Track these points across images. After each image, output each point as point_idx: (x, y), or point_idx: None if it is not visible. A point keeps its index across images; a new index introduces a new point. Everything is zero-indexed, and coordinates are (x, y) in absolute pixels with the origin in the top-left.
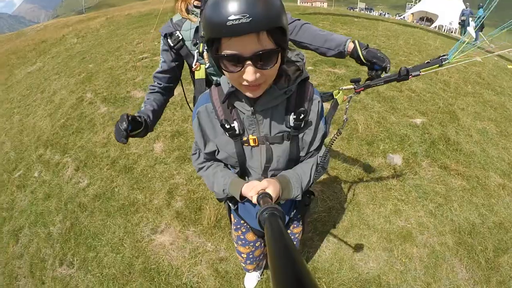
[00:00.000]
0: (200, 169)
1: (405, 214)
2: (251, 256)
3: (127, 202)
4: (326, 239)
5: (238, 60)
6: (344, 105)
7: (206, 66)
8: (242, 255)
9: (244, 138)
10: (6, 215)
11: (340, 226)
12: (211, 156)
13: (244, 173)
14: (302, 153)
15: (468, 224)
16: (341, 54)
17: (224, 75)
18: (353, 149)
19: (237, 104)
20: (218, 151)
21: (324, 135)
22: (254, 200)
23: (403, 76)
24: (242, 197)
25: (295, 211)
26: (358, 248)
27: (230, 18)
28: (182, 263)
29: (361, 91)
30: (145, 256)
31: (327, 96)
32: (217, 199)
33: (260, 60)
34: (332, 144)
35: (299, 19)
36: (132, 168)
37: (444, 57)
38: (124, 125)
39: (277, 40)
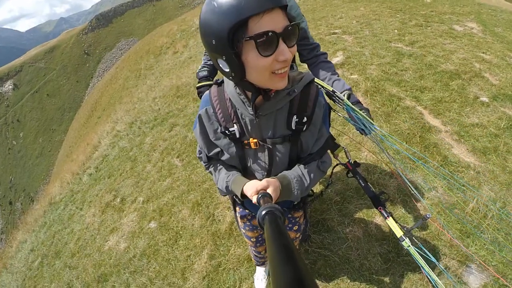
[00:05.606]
0: (206, 168)
1: None
2: (260, 239)
3: None
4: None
5: (272, 39)
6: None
7: None
8: (252, 239)
9: (245, 141)
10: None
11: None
12: (216, 157)
13: (247, 174)
14: (302, 155)
15: None
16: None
17: (236, 80)
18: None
19: (240, 108)
20: (223, 153)
21: (328, 139)
22: (254, 200)
23: (376, 202)
24: (243, 196)
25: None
26: None
27: None
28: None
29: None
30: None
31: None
32: (221, 194)
33: (288, 37)
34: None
35: (318, 46)
36: None
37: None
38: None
39: (290, 17)
